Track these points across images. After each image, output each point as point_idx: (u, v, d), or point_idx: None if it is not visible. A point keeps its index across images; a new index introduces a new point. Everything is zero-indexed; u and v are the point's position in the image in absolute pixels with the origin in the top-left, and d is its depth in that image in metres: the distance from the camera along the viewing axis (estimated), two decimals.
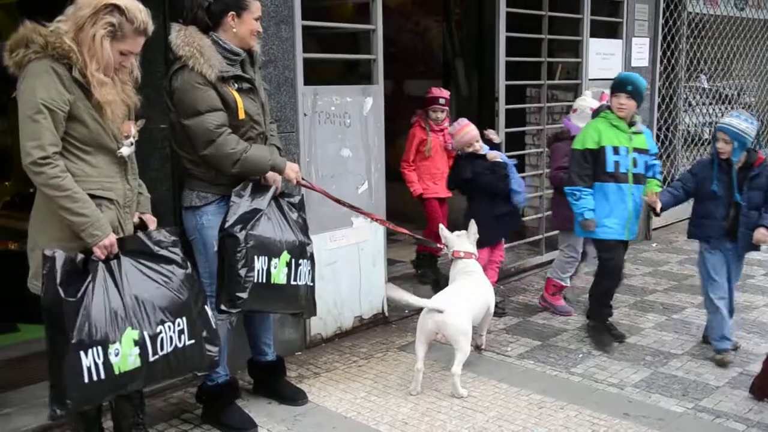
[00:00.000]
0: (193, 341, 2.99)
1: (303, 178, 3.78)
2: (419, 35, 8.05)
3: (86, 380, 2.75)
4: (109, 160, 2.94)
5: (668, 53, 8.19)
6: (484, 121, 5.83)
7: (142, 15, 2.87)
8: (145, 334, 2.86)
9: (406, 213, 6.13)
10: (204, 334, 3.10)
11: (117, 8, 2.79)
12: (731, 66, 9.69)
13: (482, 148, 5.06)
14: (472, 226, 4.46)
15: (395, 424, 3.64)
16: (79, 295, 2.77)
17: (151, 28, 2.94)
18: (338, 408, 3.82)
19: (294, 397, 3.87)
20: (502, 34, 5.96)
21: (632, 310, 5.46)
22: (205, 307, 3.17)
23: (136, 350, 2.84)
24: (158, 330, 2.88)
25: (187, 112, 3.34)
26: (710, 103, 9.38)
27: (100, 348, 2.77)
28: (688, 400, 3.94)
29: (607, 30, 7.05)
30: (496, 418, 3.71)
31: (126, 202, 3.02)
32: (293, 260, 3.55)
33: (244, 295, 3.39)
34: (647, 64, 7.60)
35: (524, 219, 6.48)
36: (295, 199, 3.66)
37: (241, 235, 3.37)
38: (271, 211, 3.52)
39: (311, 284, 3.68)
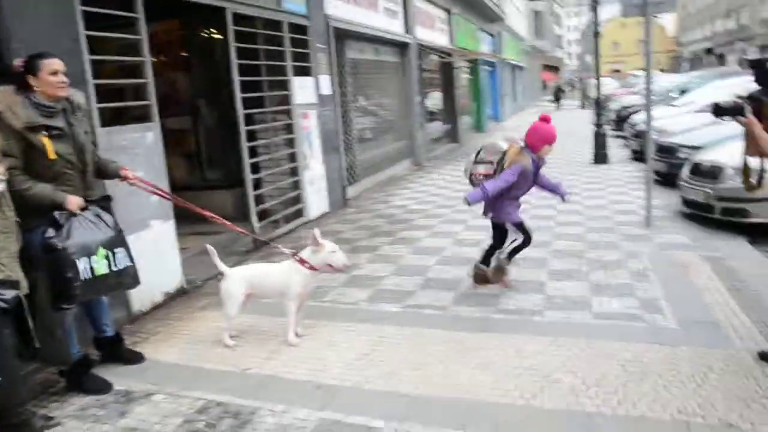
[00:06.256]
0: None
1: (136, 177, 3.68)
2: (171, 85, 7.77)
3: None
4: None
5: (341, 84, 8.92)
6: (228, 140, 5.86)
7: None
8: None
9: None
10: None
11: None
12: (377, 91, 10.86)
13: None
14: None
15: (215, 361, 3.72)
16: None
17: None
18: (169, 359, 3.81)
19: (135, 359, 3.78)
20: (236, 79, 6.10)
21: None
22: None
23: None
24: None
25: None
26: (364, 115, 10.51)
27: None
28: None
29: (303, 71, 7.48)
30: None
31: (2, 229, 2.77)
32: (110, 252, 3.34)
33: (77, 292, 3.17)
34: (330, 92, 8.22)
35: (270, 204, 6.72)
36: (102, 204, 3.44)
37: (62, 245, 3.13)
38: (81, 221, 3.25)
39: (131, 264, 3.48)
